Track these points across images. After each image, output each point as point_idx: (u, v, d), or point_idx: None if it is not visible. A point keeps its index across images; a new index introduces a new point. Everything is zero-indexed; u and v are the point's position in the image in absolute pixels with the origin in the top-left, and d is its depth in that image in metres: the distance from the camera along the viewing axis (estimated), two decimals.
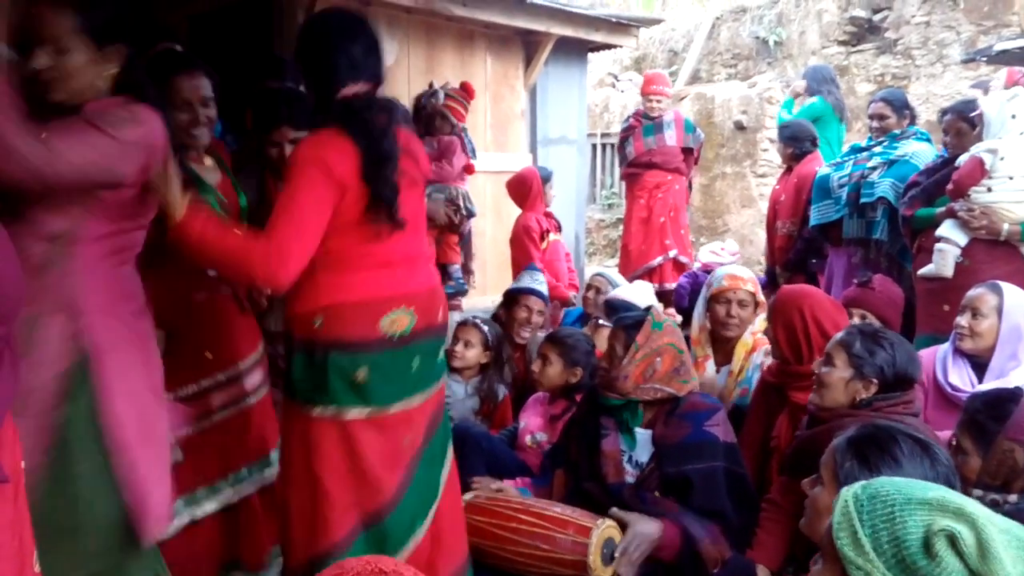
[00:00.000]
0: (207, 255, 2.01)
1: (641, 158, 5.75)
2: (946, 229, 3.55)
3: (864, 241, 4.28)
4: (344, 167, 2.03)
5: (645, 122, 5.77)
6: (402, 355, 2.17)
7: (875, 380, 2.29)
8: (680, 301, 4.29)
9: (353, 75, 2.10)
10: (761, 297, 3.30)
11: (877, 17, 9.42)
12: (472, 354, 3.62)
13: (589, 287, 4.45)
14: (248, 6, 4.60)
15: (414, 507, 2.20)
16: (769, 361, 3.10)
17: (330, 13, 2.28)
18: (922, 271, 3.63)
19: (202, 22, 5.07)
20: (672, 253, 5.65)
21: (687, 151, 5.82)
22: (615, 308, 3.64)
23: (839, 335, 2.40)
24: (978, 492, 2.00)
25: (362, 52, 2.12)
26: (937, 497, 1.14)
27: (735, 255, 5.07)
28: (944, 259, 3.52)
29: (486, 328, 3.68)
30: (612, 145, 10.54)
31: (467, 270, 4.20)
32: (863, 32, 9.57)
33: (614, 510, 2.45)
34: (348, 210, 2.06)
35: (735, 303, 3.22)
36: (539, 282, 3.93)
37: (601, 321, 3.93)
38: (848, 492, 1.21)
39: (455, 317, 3.80)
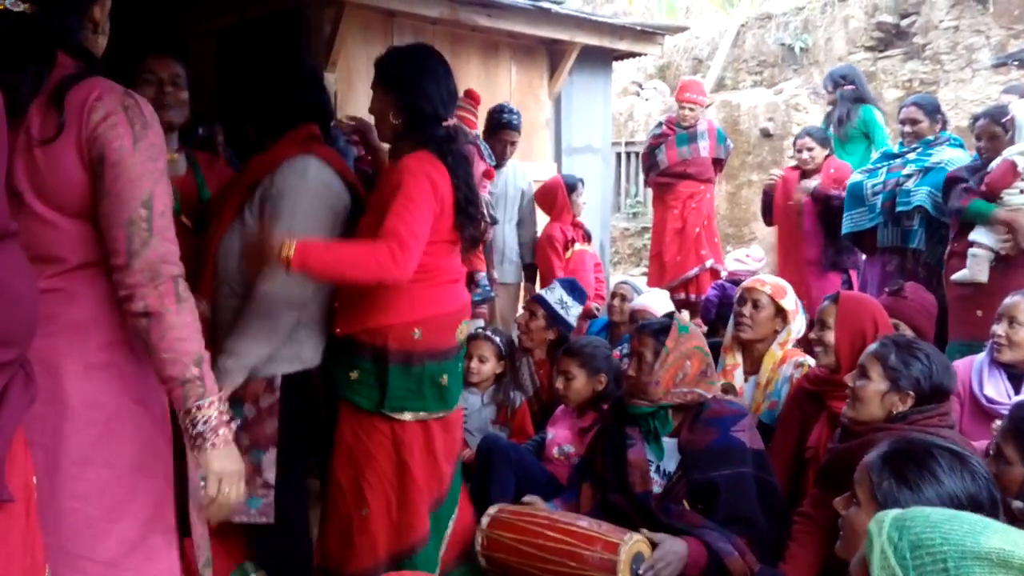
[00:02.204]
0: (334, 272, 2.16)
1: (675, 168, 5.63)
2: (980, 234, 3.49)
3: (901, 250, 4.22)
4: (444, 188, 2.31)
5: (679, 131, 5.65)
6: (461, 360, 2.59)
7: (911, 393, 2.25)
8: (707, 314, 4.24)
9: (445, 109, 2.39)
10: (788, 306, 3.23)
11: (905, 22, 9.32)
12: (487, 368, 3.62)
13: (615, 295, 4.43)
14: (275, 20, 4.64)
15: (455, 494, 2.58)
16: (799, 373, 3.06)
17: (428, 49, 2.50)
18: (955, 276, 3.58)
19: (230, 36, 5.12)
20: (708, 263, 5.56)
21: (717, 161, 5.75)
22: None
23: (873, 347, 2.35)
24: (1019, 504, 1.96)
25: (453, 89, 2.45)
26: (996, 549, 1.02)
27: (760, 260, 5.03)
28: (978, 264, 3.46)
29: (497, 339, 3.68)
30: (637, 154, 10.50)
31: (490, 277, 4.19)
32: (890, 37, 9.48)
33: (644, 532, 2.41)
34: (439, 228, 2.32)
35: (750, 303, 3.21)
36: (561, 293, 3.89)
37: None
38: (881, 537, 1.11)
39: (479, 325, 3.80)
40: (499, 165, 4.50)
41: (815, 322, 2.91)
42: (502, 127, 4.49)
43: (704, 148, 5.62)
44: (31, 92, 1.46)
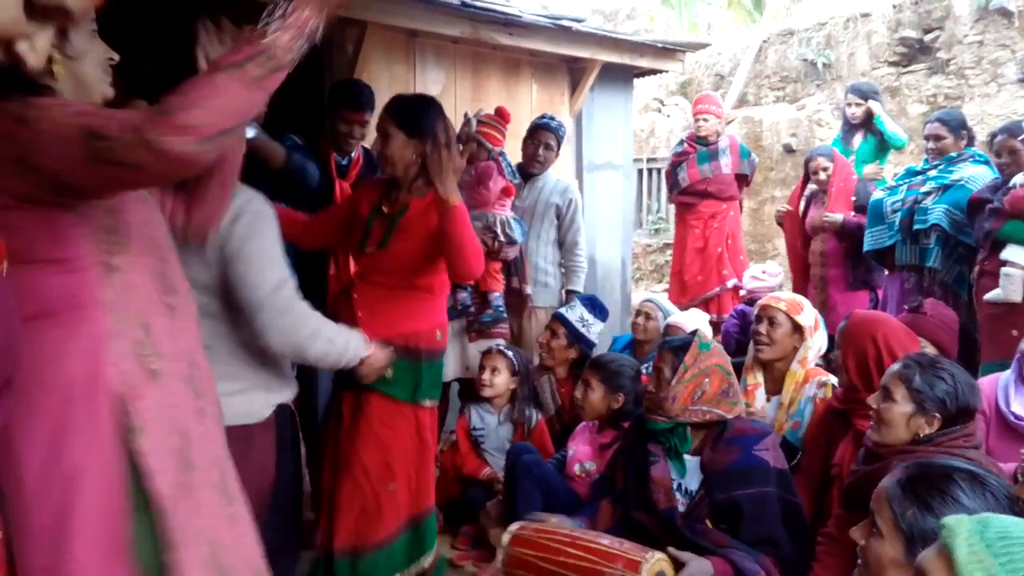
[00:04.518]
0: (468, 237, 2.63)
1: (696, 186, 5.58)
2: (1013, 252, 3.45)
3: (918, 268, 4.19)
4: None
5: (699, 148, 5.60)
6: None
7: (938, 415, 2.21)
8: (727, 344, 4.21)
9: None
10: (805, 322, 3.21)
11: (928, 37, 9.27)
12: (500, 380, 3.62)
13: (639, 313, 4.40)
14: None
15: None
16: (823, 393, 3.04)
17: (435, 100, 2.84)
18: (988, 296, 3.53)
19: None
20: (730, 283, 5.51)
21: (741, 176, 5.69)
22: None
23: (895, 367, 2.32)
24: None
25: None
26: None
27: (777, 276, 5.01)
28: (1012, 283, 3.42)
29: (511, 354, 3.67)
30: (658, 170, 10.50)
31: (522, 294, 4.15)
32: (914, 52, 9.42)
33: (671, 550, 2.40)
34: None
35: (766, 320, 3.19)
36: (582, 311, 3.89)
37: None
38: (967, 528, 1.17)
39: (500, 345, 3.79)
40: (532, 172, 4.33)
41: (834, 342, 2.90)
42: (540, 128, 4.32)
43: (726, 165, 5.56)
44: None
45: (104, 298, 1.52)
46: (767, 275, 4.98)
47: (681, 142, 5.83)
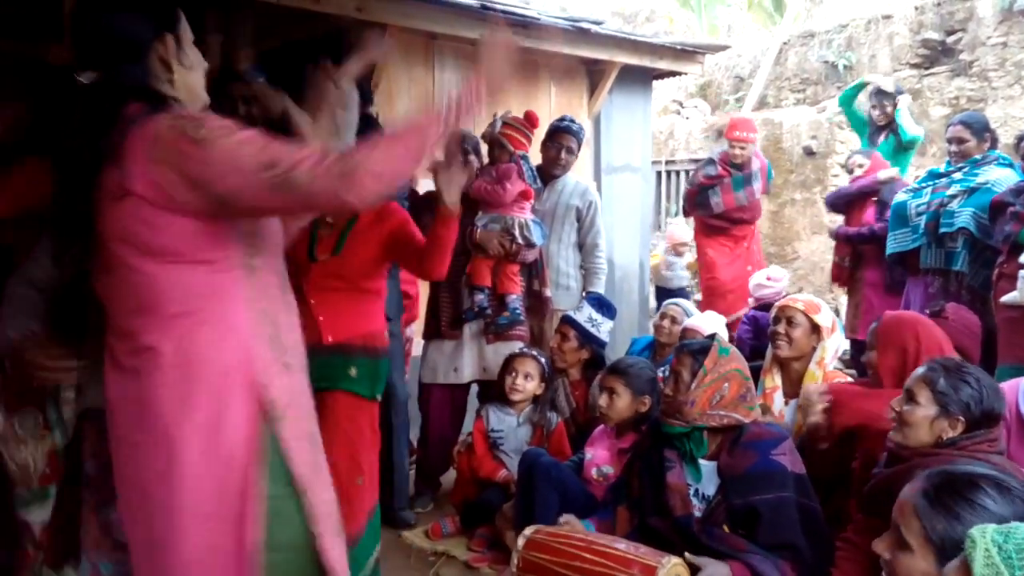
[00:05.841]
0: (452, 242, 2.77)
1: (732, 213, 5.53)
2: None
3: (944, 272, 4.14)
4: None
5: (733, 172, 5.52)
6: None
7: (961, 418, 2.18)
8: (740, 347, 4.21)
9: None
10: (823, 322, 3.22)
11: (951, 39, 9.17)
12: (531, 386, 3.63)
13: (664, 316, 4.37)
14: (317, 43, 4.71)
15: None
16: None
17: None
18: (1005, 298, 3.49)
19: (272, 59, 5.20)
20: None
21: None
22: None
23: (920, 370, 2.29)
24: None
25: None
26: None
27: (781, 280, 5.02)
28: None
29: (543, 360, 3.67)
30: (677, 172, 10.45)
31: (542, 296, 4.14)
32: (936, 54, 9.32)
33: (688, 555, 2.38)
34: None
35: (784, 321, 3.22)
36: (590, 311, 3.87)
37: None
38: (986, 539, 1.17)
39: (516, 348, 3.79)
40: (552, 174, 4.31)
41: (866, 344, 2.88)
42: (560, 131, 4.28)
43: (758, 190, 5.58)
44: (98, 157, 1.56)
45: (246, 296, 1.66)
46: (772, 280, 5.00)
47: (712, 162, 5.70)
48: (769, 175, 5.67)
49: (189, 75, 1.73)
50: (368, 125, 3.15)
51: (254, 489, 1.61)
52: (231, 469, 1.59)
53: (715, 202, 5.53)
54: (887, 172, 4.99)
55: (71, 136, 1.61)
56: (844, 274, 5.24)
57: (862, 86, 5.99)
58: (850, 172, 5.24)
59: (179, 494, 1.56)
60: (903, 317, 2.90)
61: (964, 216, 4.04)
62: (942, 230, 4.12)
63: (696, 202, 5.67)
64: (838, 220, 5.45)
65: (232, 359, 1.61)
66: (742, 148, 5.50)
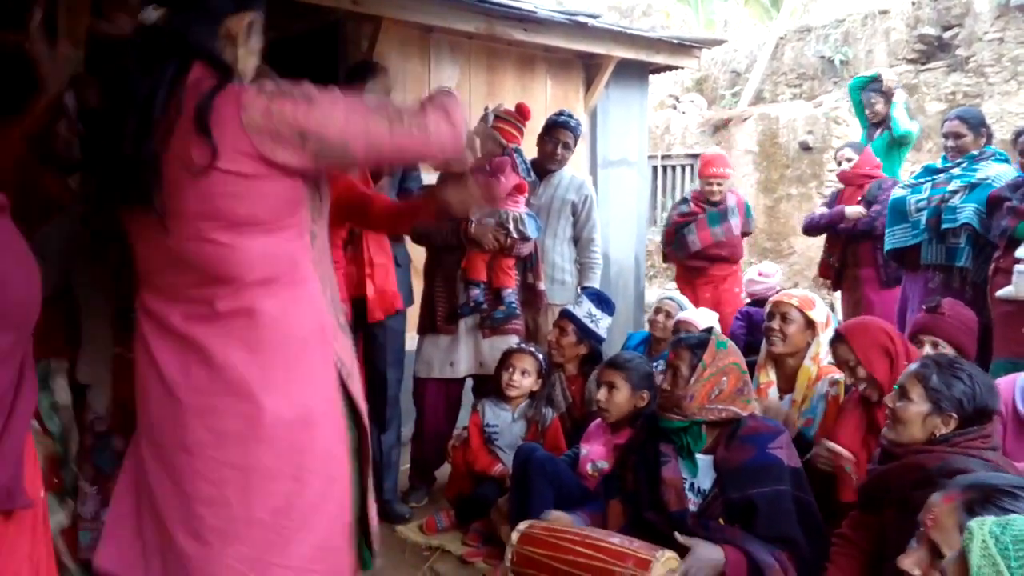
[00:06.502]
0: None
1: (709, 250, 5.28)
2: None
3: (946, 268, 4.13)
4: None
5: (708, 208, 5.32)
6: None
7: (954, 415, 2.19)
8: (734, 342, 4.22)
9: None
10: (817, 317, 3.22)
11: (947, 34, 9.18)
12: (528, 382, 3.63)
13: (658, 310, 4.37)
14: (314, 36, 4.70)
15: None
16: (835, 391, 3.04)
17: None
18: (1000, 292, 3.49)
19: (267, 52, 5.19)
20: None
21: (744, 234, 5.48)
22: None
23: (913, 366, 2.30)
24: None
25: None
26: None
27: (772, 275, 5.02)
28: None
29: (541, 356, 3.67)
30: (673, 167, 10.45)
31: (536, 290, 4.13)
32: (933, 50, 9.33)
33: (678, 535, 2.39)
34: None
35: (779, 316, 3.22)
36: (589, 306, 3.87)
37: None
38: (983, 531, 1.18)
39: (512, 342, 3.79)
40: (548, 169, 4.31)
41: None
42: (557, 126, 4.26)
43: (736, 226, 5.30)
44: (167, 95, 1.52)
45: (313, 260, 1.71)
46: (763, 276, 4.99)
47: (686, 201, 5.53)
48: (748, 211, 5.48)
49: (248, 59, 1.73)
50: None
51: (339, 450, 1.69)
52: (313, 429, 1.64)
53: (691, 240, 5.29)
54: (854, 210, 4.98)
55: (124, 80, 1.55)
56: (831, 272, 5.26)
57: (875, 78, 5.95)
58: (838, 164, 5.30)
59: (263, 455, 1.60)
60: (865, 322, 2.97)
61: (967, 212, 4.02)
62: (944, 226, 4.10)
63: (673, 244, 5.44)
64: None
65: (309, 322, 1.67)
66: (718, 184, 5.31)
